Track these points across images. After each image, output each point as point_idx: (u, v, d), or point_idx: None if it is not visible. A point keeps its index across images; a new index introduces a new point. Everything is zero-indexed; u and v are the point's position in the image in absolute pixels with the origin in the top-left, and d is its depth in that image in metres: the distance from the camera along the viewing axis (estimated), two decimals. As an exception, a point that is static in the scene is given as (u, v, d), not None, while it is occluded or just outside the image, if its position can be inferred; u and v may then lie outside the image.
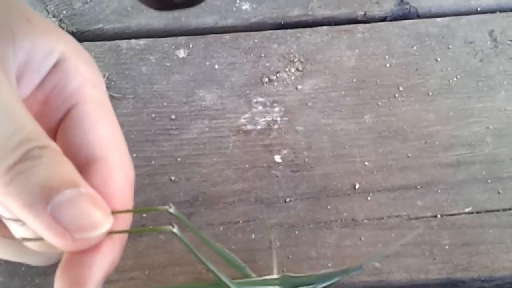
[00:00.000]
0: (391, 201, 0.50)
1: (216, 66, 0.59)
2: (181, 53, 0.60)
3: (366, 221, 0.49)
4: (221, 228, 0.49)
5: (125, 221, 0.34)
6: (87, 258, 0.31)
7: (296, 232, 0.49)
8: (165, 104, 0.57)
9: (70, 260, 0.31)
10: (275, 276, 0.43)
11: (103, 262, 0.32)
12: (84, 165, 0.35)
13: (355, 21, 0.61)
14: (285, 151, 0.53)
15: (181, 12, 0.62)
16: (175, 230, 0.35)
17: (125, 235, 0.34)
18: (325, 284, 0.42)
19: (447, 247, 0.47)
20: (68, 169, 0.30)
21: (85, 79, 0.37)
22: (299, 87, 0.57)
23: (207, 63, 0.59)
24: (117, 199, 0.34)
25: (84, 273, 0.31)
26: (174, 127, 0.55)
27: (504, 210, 0.49)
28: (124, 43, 0.60)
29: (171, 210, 0.35)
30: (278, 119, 0.55)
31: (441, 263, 0.47)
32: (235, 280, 0.42)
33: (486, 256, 0.47)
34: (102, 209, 0.30)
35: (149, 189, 0.52)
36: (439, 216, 0.49)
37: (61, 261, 0.32)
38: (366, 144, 0.53)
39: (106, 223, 0.30)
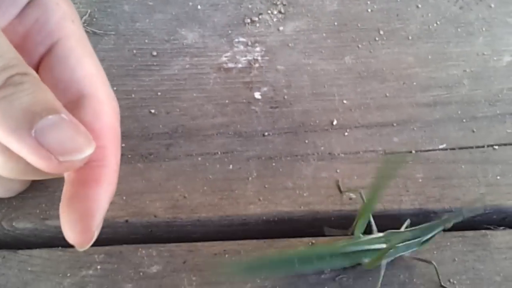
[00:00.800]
0: (368, 137, 0.52)
1: (199, 7, 0.60)
2: (166, -6, 0.61)
3: (342, 155, 0.51)
4: (199, 159, 0.51)
5: (118, 149, 0.35)
6: (92, 191, 0.33)
7: (274, 164, 0.50)
8: (146, 41, 0.58)
9: (75, 194, 0.32)
10: (380, 234, 0.44)
11: (105, 194, 0.33)
12: (73, 101, 0.36)
13: (338, -33, 0.62)
14: (265, 89, 0.55)
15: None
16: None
17: (118, 167, 0.36)
18: (429, 236, 0.44)
19: (420, 180, 0.49)
20: (50, 96, 0.32)
21: (65, 13, 0.38)
22: (281, 28, 0.59)
23: (190, 3, 0.60)
24: (108, 133, 0.35)
25: (92, 205, 0.32)
26: (155, 63, 0.56)
27: (478, 147, 0.51)
28: (107, -18, 0.61)
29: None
30: (259, 58, 0.57)
31: (414, 194, 0.48)
32: (343, 241, 0.44)
33: (458, 189, 0.49)
34: (85, 134, 0.31)
35: (129, 121, 0.53)
36: (414, 151, 0.51)
37: (63, 195, 0.33)
38: (346, 84, 0.55)
39: (89, 148, 0.31)
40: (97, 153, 0.33)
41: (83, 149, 0.30)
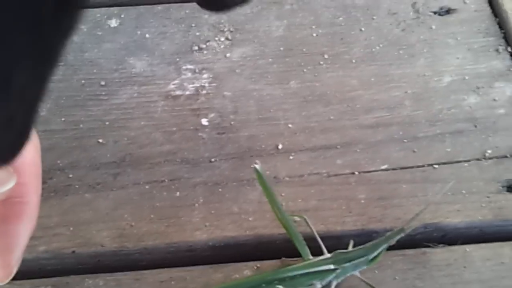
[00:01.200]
0: (312, 160, 0.53)
1: (147, 35, 0.62)
2: (113, 23, 0.62)
3: (287, 178, 0.52)
4: (147, 187, 0.52)
5: (39, 185, 0.37)
6: (12, 227, 0.34)
7: (220, 190, 0.52)
8: (95, 71, 0.59)
9: None
10: (328, 255, 0.46)
11: (26, 229, 0.35)
12: None
13: (284, -7, 0.64)
14: (212, 115, 0.56)
15: (114, -16, 0.65)
16: (257, 166, 0.43)
17: (39, 203, 0.37)
18: (375, 253, 0.45)
19: (363, 201, 0.51)
20: None
21: None
22: (228, 55, 0.60)
23: (139, 32, 0.62)
24: (30, 169, 0.37)
25: (12, 241, 0.34)
26: (103, 93, 0.58)
27: (418, 167, 0.53)
28: (56, 13, 0.62)
29: (257, 166, 0.44)
30: (207, 85, 0.58)
31: (357, 215, 0.50)
32: (290, 266, 0.45)
33: (399, 209, 0.50)
34: (5, 168, 0.33)
35: (77, 151, 0.54)
36: (356, 173, 0.52)
37: None
38: (291, 108, 0.57)
39: (10, 182, 0.33)
40: (18, 189, 0.34)
41: (3, 182, 0.31)
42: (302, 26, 0.61)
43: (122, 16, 0.63)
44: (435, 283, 0.46)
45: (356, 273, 0.46)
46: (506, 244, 0.48)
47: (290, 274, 0.44)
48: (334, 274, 0.44)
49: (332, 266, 0.44)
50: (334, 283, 0.45)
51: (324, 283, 0.45)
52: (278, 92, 0.57)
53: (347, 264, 0.44)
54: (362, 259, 0.45)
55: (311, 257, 0.46)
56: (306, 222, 0.47)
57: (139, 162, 0.53)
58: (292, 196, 0.51)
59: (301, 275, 0.44)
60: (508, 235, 0.49)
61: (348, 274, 0.45)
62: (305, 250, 0.46)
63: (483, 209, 0.50)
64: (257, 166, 0.45)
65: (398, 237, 0.44)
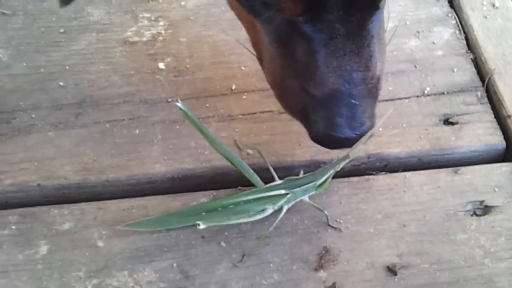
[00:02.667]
0: (264, 99, 0.58)
1: (104, -16, 0.65)
2: (70, -26, 0.65)
3: (241, 116, 0.57)
4: (107, 125, 0.56)
5: None
6: None
7: (177, 127, 0.56)
8: (54, 19, 0.62)
9: None
10: (279, 181, 0.50)
11: None
12: None
13: None
14: (168, 59, 0.60)
15: None
16: (179, 104, 0.46)
17: None
18: (323, 179, 0.49)
19: (312, 135, 0.55)
20: None
21: None
22: (183, 3, 0.64)
23: (96, -17, 0.65)
24: None
25: None
26: (63, 40, 0.61)
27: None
28: (13, -35, 0.65)
29: (179, 105, 0.46)
30: (163, 31, 0.62)
31: (306, 147, 0.55)
32: (244, 192, 0.49)
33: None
34: None
35: (38, 93, 0.57)
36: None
37: None
38: (243, 53, 0.61)
39: None
40: None
41: None
42: None
43: (79, -33, 0.66)
44: (378, 205, 0.52)
45: (306, 198, 0.50)
46: (442, 171, 0.54)
47: (244, 198, 0.49)
48: (285, 199, 0.49)
49: (283, 191, 0.49)
50: (285, 207, 0.50)
51: (276, 207, 0.49)
52: (231, 38, 0.61)
53: (297, 189, 0.49)
54: (310, 184, 0.49)
55: (262, 184, 0.50)
56: (260, 154, 0.52)
57: (99, 103, 0.57)
58: (245, 131, 0.55)
59: (255, 199, 0.49)
60: (444, 163, 0.55)
61: (298, 199, 0.50)
62: (255, 178, 0.50)
63: (421, 140, 0.55)
64: (179, 104, 0.47)
65: (343, 163, 0.49)
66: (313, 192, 0.49)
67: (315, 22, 0.37)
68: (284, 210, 0.49)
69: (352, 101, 0.39)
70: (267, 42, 0.41)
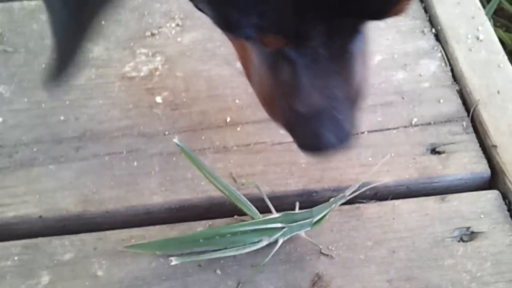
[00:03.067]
0: (258, 131, 0.60)
1: (103, 23, 0.68)
2: (70, 12, 0.68)
3: (235, 147, 0.59)
4: (107, 158, 0.58)
5: None
6: None
7: (174, 159, 0.58)
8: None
9: None
10: (277, 215, 0.52)
11: None
12: None
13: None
14: (165, 93, 0.63)
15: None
16: (176, 140, 0.50)
17: None
18: (319, 216, 0.51)
19: (303, 165, 0.58)
20: None
21: None
22: (179, 39, 0.67)
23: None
24: None
25: None
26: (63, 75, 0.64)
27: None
28: (16, 4, 0.68)
29: (176, 141, 0.50)
30: (160, 66, 0.65)
31: (298, 177, 0.57)
32: (242, 222, 0.51)
33: (335, 171, 0.58)
34: None
35: (40, 128, 0.60)
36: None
37: None
38: (238, 86, 0.64)
39: None
40: None
41: None
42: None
43: (79, 5, 0.69)
44: (368, 233, 0.54)
45: (301, 233, 0.52)
46: (430, 198, 0.56)
47: (241, 229, 0.51)
48: (281, 232, 0.51)
49: (280, 225, 0.51)
50: (280, 241, 0.52)
51: (271, 239, 0.51)
52: (226, 72, 0.64)
53: (294, 224, 0.51)
54: (307, 220, 0.51)
55: (260, 215, 0.52)
56: (257, 188, 0.54)
57: (98, 136, 0.59)
58: (240, 162, 0.58)
59: (252, 230, 0.51)
60: (431, 191, 0.57)
61: (294, 233, 0.52)
62: (253, 210, 0.52)
63: (409, 169, 0.58)
64: (176, 140, 0.51)
65: (339, 202, 0.51)
66: (309, 228, 0.51)
67: (299, 49, 0.40)
68: (280, 242, 0.51)
69: (336, 115, 0.42)
70: (255, 62, 0.44)
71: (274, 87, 0.44)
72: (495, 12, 1.17)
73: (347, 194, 0.50)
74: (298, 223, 0.51)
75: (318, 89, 0.41)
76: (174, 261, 0.48)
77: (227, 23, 0.39)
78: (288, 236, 0.51)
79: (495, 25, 1.15)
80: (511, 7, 1.15)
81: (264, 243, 0.51)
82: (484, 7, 1.10)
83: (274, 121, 0.47)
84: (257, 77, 0.45)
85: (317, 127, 0.43)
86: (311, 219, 0.51)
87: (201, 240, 0.51)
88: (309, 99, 0.42)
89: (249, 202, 0.51)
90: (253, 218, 0.51)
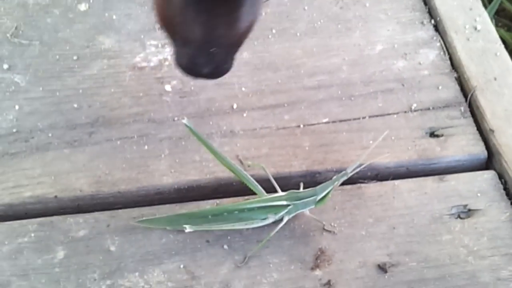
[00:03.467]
0: (263, 116, 0.63)
1: (114, 17, 0.72)
2: (83, 7, 0.72)
3: (241, 132, 0.62)
4: (119, 142, 0.61)
5: None
6: None
7: (183, 143, 0.61)
8: (68, 48, 0.69)
9: None
10: (282, 193, 0.54)
11: None
12: None
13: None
14: (174, 82, 0.66)
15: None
16: (185, 121, 0.53)
17: None
18: (323, 194, 0.54)
19: (307, 148, 0.61)
20: None
21: None
22: (187, 31, 0.70)
23: (106, 14, 0.72)
24: None
25: None
26: (76, 66, 0.67)
27: (354, 119, 0.63)
28: None
29: (185, 121, 0.53)
30: (169, 57, 0.68)
31: (302, 159, 0.60)
32: (249, 200, 0.54)
33: (338, 153, 0.61)
34: None
35: (55, 114, 0.63)
36: (302, 126, 0.63)
37: None
38: (244, 75, 0.67)
39: None
40: None
41: None
42: (252, 6, 0.71)
43: (91, 1, 0.72)
44: (369, 210, 0.57)
45: (306, 210, 0.55)
46: (428, 178, 0.59)
47: (248, 206, 0.54)
48: (286, 210, 0.54)
49: (285, 202, 0.54)
50: (286, 218, 0.54)
51: (277, 217, 0.54)
52: (232, 62, 0.67)
53: (298, 202, 0.54)
54: (311, 198, 0.54)
55: (265, 194, 0.55)
56: (263, 169, 0.57)
57: (111, 122, 0.62)
58: (246, 146, 0.61)
59: (258, 208, 0.54)
60: (430, 172, 0.60)
61: (299, 211, 0.55)
62: (259, 189, 0.55)
63: (409, 151, 0.60)
64: (185, 121, 0.53)
65: (342, 179, 0.54)
66: (313, 206, 0.54)
67: None
68: (285, 220, 0.54)
69: (211, 50, 0.46)
70: None
71: (170, 10, 0.46)
72: (496, 12, 1.20)
73: (349, 171, 0.53)
74: (303, 201, 0.53)
75: (200, 22, 0.44)
76: (188, 228, 0.50)
77: None
78: (293, 214, 0.54)
79: (497, 25, 1.17)
80: (513, 7, 1.18)
81: (270, 220, 0.54)
82: (485, 7, 1.13)
83: (168, 34, 0.49)
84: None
85: (190, 53, 0.46)
86: (315, 196, 0.53)
87: (209, 217, 0.53)
88: (190, 28, 0.45)
89: (255, 181, 0.54)
90: (259, 197, 0.54)
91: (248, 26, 0.47)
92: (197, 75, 0.49)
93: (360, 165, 0.55)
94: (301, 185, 0.56)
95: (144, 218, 0.54)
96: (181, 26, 0.46)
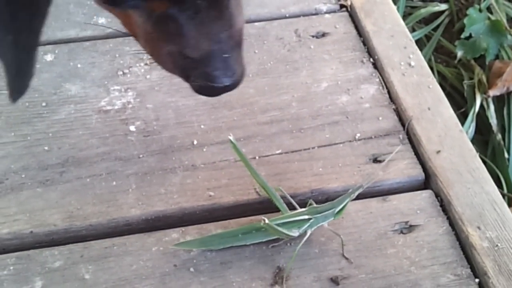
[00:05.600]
0: (222, 150, 0.70)
1: (79, 65, 0.78)
2: (49, 57, 0.78)
3: (202, 165, 0.69)
4: (88, 180, 0.67)
5: None
6: None
7: (148, 177, 0.67)
8: (36, 95, 0.75)
9: None
10: (303, 209, 0.59)
11: None
12: None
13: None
14: (138, 123, 0.72)
15: (47, 27, 0.81)
16: (231, 138, 0.60)
17: None
18: (341, 206, 0.58)
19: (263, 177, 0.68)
20: None
21: None
22: (148, 76, 0.77)
23: (71, 63, 0.78)
24: None
25: None
26: (45, 112, 0.73)
27: (304, 149, 0.70)
28: (-1, 52, 0.78)
29: (231, 138, 0.60)
30: (132, 100, 0.75)
31: (259, 188, 0.67)
32: (275, 217, 0.60)
33: (291, 181, 0.67)
34: None
35: (27, 157, 0.68)
36: (257, 157, 0.69)
37: None
38: (202, 113, 0.73)
39: None
40: None
41: None
42: (207, 51, 0.79)
43: (56, 51, 0.79)
44: (321, 230, 0.63)
45: (325, 224, 0.61)
46: (373, 200, 0.66)
47: (275, 223, 0.59)
48: (308, 223, 0.59)
49: (307, 217, 0.59)
50: (309, 231, 0.60)
51: (301, 231, 0.60)
52: (191, 102, 0.74)
53: (318, 215, 0.59)
54: (330, 211, 0.59)
55: (289, 211, 0.61)
56: (281, 190, 0.64)
57: (80, 162, 0.68)
58: (207, 177, 0.67)
59: (283, 223, 0.59)
60: (374, 194, 0.67)
61: (320, 224, 0.60)
62: (283, 206, 0.61)
63: (355, 176, 0.68)
64: (230, 137, 0.60)
65: (357, 192, 0.59)
66: (332, 218, 0.60)
67: (180, 6, 0.46)
68: (308, 233, 0.60)
69: (224, 55, 0.49)
70: (143, 26, 0.50)
71: (165, 42, 0.50)
72: (435, 50, 1.31)
73: (364, 185, 0.59)
74: (322, 214, 0.59)
75: (204, 35, 0.48)
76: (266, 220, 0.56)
77: (113, 1, 0.46)
78: (314, 227, 0.60)
79: (436, 61, 1.28)
80: (450, 44, 1.29)
81: (295, 234, 0.59)
82: (425, 44, 1.24)
83: (170, 72, 0.53)
84: (148, 38, 0.51)
85: (209, 70, 0.49)
86: (333, 209, 0.59)
87: (240, 235, 0.60)
88: (198, 45, 0.48)
89: (281, 199, 0.61)
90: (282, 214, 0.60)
91: (243, 18, 0.50)
92: (222, 89, 0.51)
93: (372, 179, 0.62)
94: (309, 202, 0.62)
95: (180, 242, 0.61)
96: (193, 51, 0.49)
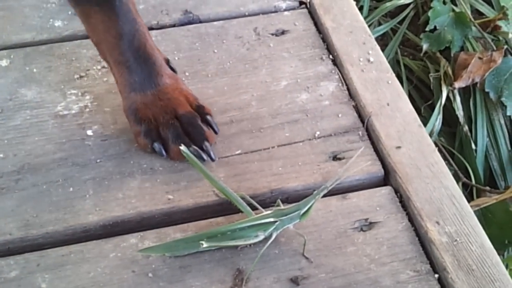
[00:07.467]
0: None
1: (35, 70, 0.77)
2: (4, 63, 0.77)
3: (161, 168, 0.68)
4: (44, 187, 0.66)
5: None
6: None
7: (106, 183, 0.67)
8: (-9, 102, 0.73)
9: None
10: (269, 211, 0.59)
11: None
12: None
13: (150, 28, 0.81)
14: (95, 127, 0.71)
15: (2, 32, 0.80)
16: (182, 148, 0.61)
17: None
18: (306, 208, 0.59)
19: (222, 179, 0.67)
20: None
21: None
22: (105, 79, 0.76)
23: (27, 68, 0.77)
24: None
25: None
26: (0, 118, 0.72)
27: (264, 149, 0.70)
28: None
29: (182, 148, 0.61)
30: (89, 104, 0.74)
31: (217, 190, 0.66)
32: (239, 221, 0.60)
33: (250, 181, 0.67)
34: None
35: (-19, 165, 0.67)
36: (217, 159, 0.69)
37: None
38: (161, 116, 0.73)
39: None
40: None
41: None
42: (165, 52, 0.78)
43: (12, 56, 0.77)
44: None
45: (291, 226, 0.60)
46: (333, 198, 0.66)
47: (239, 226, 0.59)
48: (274, 226, 0.59)
49: (272, 219, 0.59)
50: (274, 234, 0.60)
51: (267, 234, 0.60)
52: (149, 105, 0.73)
53: (284, 218, 0.59)
54: (295, 213, 0.59)
55: (254, 214, 0.60)
56: (244, 196, 0.63)
57: (36, 168, 0.67)
58: (166, 180, 0.66)
59: (249, 227, 0.59)
60: (334, 191, 0.66)
61: (285, 227, 0.60)
62: (247, 209, 0.60)
63: (315, 174, 0.67)
64: (182, 148, 0.62)
65: (322, 193, 0.59)
66: (298, 220, 0.60)
67: None
68: (274, 236, 0.60)
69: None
70: None
71: None
72: (401, 43, 1.31)
73: (328, 185, 0.59)
74: (288, 216, 0.59)
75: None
76: (204, 244, 0.58)
77: None
78: (280, 230, 0.60)
79: (402, 54, 1.28)
80: (416, 38, 1.29)
81: (260, 237, 0.59)
82: (391, 38, 1.24)
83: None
84: None
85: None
86: (298, 211, 0.59)
87: (205, 239, 0.59)
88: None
89: (244, 203, 0.61)
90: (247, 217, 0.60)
91: None
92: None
93: (338, 179, 0.60)
94: (278, 203, 0.62)
95: (145, 247, 0.60)
96: None
